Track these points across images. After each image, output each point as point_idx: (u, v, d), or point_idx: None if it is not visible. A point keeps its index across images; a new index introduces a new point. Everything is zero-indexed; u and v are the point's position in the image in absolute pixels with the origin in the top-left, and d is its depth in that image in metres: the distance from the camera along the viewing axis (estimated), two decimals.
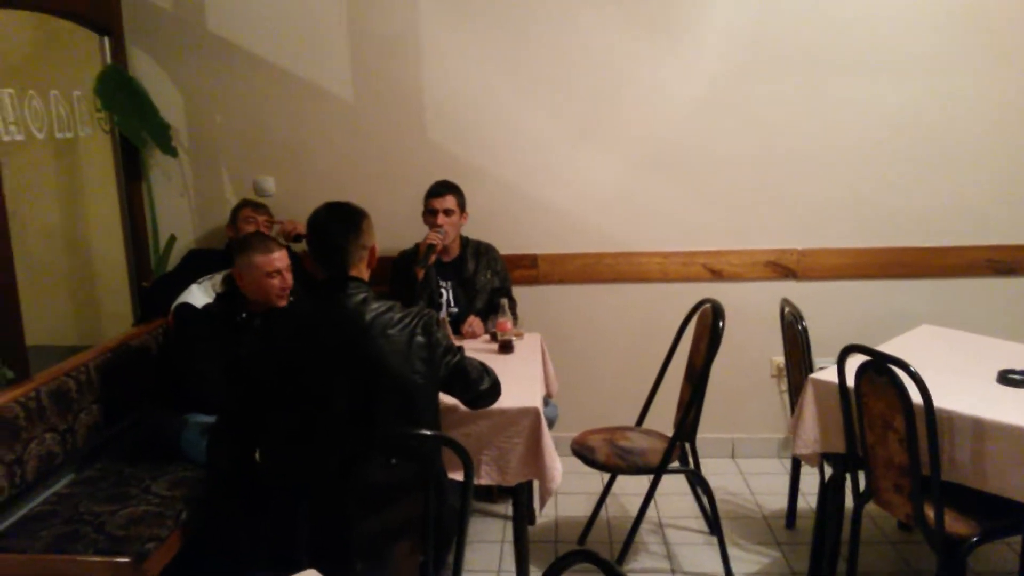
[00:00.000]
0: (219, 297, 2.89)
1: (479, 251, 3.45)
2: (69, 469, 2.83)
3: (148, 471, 2.79)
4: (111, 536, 2.38)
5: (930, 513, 2.26)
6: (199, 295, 2.89)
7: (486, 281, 3.40)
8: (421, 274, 3.20)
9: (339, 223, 2.14)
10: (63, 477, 2.79)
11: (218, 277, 2.97)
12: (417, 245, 3.33)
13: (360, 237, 2.15)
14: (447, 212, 3.28)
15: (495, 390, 2.35)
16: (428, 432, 2.14)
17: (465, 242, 3.45)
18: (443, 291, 3.37)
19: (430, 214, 3.30)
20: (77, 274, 3.81)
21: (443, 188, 3.32)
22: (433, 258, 3.22)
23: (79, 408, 2.76)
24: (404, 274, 3.32)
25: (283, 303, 2.83)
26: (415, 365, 2.10)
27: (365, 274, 2.20)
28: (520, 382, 2.68)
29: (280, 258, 2.82)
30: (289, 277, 2.84)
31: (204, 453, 2.78)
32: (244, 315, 2.83)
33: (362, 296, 2.11)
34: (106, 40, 3.49)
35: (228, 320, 2.82)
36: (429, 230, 3.28)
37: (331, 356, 2.07)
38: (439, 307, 3.35)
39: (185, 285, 2.97)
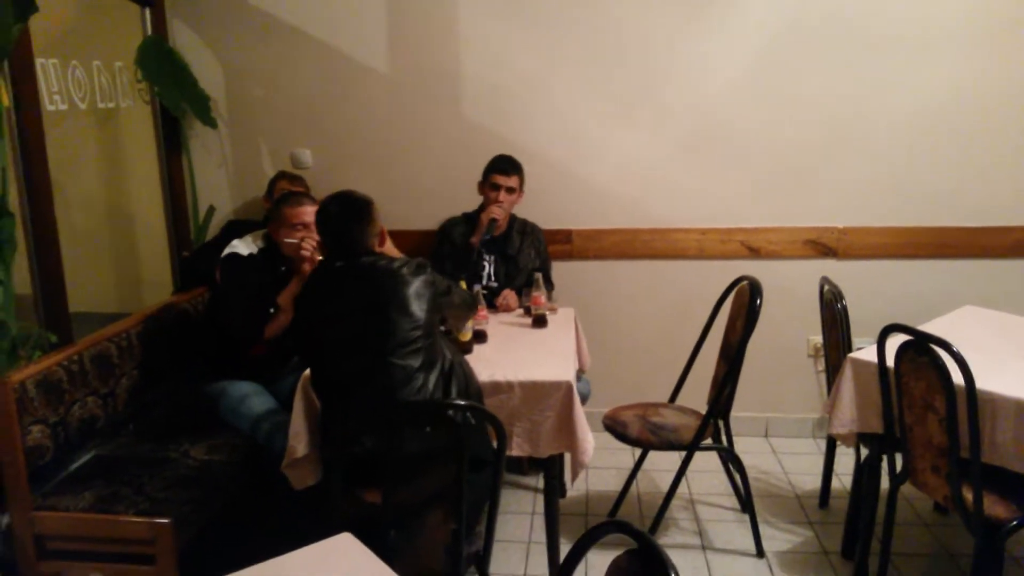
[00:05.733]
0: (260, 251, 2.97)
1: (525, 229, 3.46)
2: (110, 432, 2.90)
3: (187, 435, 2.85)
4: (151, 497, 2.44)
5: (968, 495, 2.22)
6: (243, 247, 2.97)
7: (529, 260, 3.40)
8: (477, 242, 3.28)
9: (350, 218, 2.27)
10: (105, 440, 2.86)
11: (258, 233, 3.04)
12: (465, 215, 3.41)
13: (370, 226, 2.29)
14: (509, 190, 3.30)
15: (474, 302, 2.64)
16: (462, 402, 2.18)
17: (512, 219, 3.45)
18: (485, 264, 3.38)
19: (492, 188, 3.30)
20: (118, 243, 3.87)
21: (510, 167, 3.31)
22: (497, 232, 3.29)
23: (120, 373, 2.82)
24: (452, 241, 3.36)
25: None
26: (423, 303, 2.25)
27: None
28: (553, 356, 2.69)
29: (309, 212, 2.86)
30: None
31: (243, 419, 2.84)
32: (284, 268, 2.91)
33: (376, 256, 2.31)
34: (147, 11, 3.52)
35: (271, 270, 2.92)
36: (487, 203, 3.30)
37: (354, 297, 2.24)
38: (480, 279, 3.35)
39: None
